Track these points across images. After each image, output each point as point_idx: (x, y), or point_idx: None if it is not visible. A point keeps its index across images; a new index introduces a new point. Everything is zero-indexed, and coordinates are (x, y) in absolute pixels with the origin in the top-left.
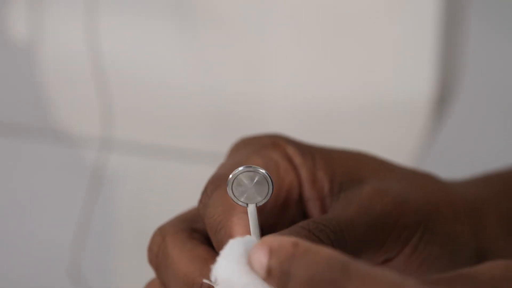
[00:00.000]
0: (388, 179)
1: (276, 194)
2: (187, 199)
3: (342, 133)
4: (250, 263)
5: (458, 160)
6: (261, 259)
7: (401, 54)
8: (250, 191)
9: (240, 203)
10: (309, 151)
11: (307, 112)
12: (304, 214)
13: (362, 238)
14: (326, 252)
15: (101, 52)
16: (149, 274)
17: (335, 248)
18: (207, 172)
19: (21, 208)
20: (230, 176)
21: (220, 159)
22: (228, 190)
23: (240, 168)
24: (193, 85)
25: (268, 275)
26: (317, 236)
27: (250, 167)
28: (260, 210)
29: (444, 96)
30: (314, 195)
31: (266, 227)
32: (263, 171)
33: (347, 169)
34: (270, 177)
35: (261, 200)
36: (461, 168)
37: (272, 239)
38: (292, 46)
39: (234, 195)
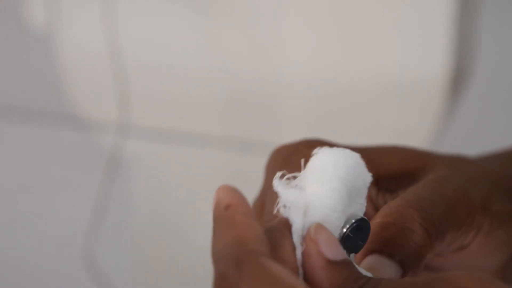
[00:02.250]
0: (439, 168)
1: None
2: (204, 184)
3: (357, 113)
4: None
5: (474, 140)
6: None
7: (416, 33)
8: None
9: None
10: None
11: (321, 95)
12: None
13: (442, 217)
14: None
15: (118, 38)
16: (164, 261)
17: (424, 227)
18: (224, 157)
19: (37, 193)
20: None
21: (237, 144)
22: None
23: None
24: (209, 70)
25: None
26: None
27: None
28: None
29: (460, 76)
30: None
31: None
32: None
33: (390, 169)
34: (367, 221)
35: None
36: (477, 149)
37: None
38: (306, 27)
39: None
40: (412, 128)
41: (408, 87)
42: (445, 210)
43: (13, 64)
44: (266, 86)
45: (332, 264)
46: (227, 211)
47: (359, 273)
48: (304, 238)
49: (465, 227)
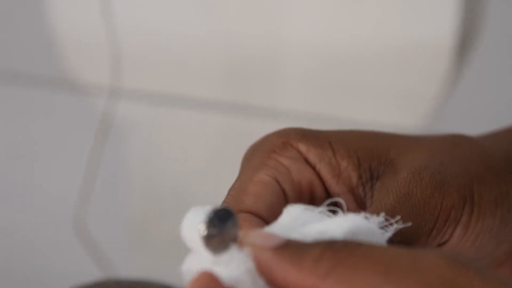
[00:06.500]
0: (420, 155)
1: (298, 197)
2: (196, 148)
3: (361, 78)
4: None
5: (481, 105)
6: None
7: None
8: (224, 235)
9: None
10: (325, 140)
11: (323, 59)
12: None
13: (408, 228)
14: None
15: (111, 0)
16: (156, 226)
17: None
18: (217, 120)
19: (27, 156)
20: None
21: (231, 107)
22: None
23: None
24: (205, 31)
25: None
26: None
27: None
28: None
29: (466, 39)
30: (342, 189)
31: None
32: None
33: (371, 151)
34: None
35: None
36: (483, 114)
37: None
38: None
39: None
40: (418, 92)
41: (413, 51)
42: (410, 219)
43: (5, 28)
44: (266, 49)
45: (279, 250)
46: None
47: (309, 242)
48: (243, 245)
49: (437, 228)
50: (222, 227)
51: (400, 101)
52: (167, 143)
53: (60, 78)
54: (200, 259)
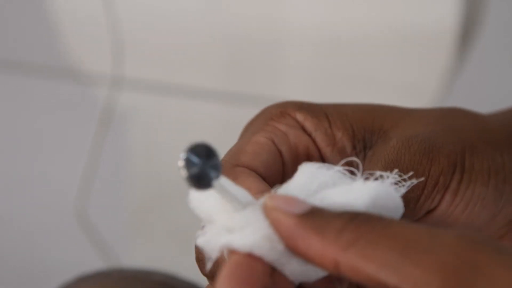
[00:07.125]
0: (412, 125)
1: (294, 159)
2: (197, 136)
3: (363, 68)
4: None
5: (483, 93)
6: None
7: None
8: (204, 169)
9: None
10: (322, 112)
11: (325, 47)
12: None
13: None
14: None
15: None
16: (157, 215)
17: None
18: (217, 109)
19: (30, 146)
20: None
21: (231, 97)
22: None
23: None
24: (206, 22)
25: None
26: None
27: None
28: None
29: (469, 27)
30: (336, 157)
31: None
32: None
33: (366, 123)
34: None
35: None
36: (486, 102)
37: None
38: None
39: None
40: (420, 78)
41: (416, 37)
42: None
43: (8, 17)
44: (267, 40)
45: (303, 217)
46: None
47: (335, 211)
48: (265, 212)
49: (425, 194)
50: (202, 160)
51: (402, 92)
52: (168, 132)
53: (62, 68)
54: (216, 229)
